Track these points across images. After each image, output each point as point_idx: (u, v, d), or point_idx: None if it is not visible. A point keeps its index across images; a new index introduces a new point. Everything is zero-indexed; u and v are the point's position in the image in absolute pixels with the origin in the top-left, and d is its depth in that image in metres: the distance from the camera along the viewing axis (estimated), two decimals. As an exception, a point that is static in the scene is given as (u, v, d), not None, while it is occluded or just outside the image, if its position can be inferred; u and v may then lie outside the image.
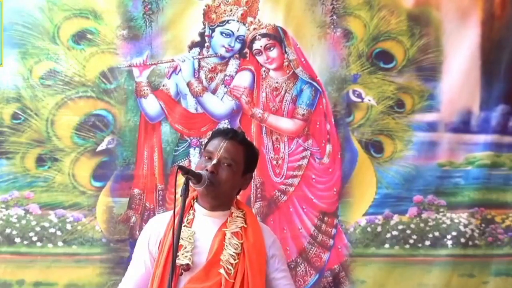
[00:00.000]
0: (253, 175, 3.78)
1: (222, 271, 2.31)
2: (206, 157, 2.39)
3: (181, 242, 2.30)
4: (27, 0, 3.83)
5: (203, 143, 3.75)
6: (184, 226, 2.35)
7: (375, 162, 3.91)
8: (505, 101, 3.95)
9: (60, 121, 3.83)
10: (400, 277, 3.88)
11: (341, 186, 3.90)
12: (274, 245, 2.46)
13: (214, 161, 2.35)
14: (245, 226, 2.40)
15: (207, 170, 2.33)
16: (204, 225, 2.38)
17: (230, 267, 2.33)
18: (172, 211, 2.44)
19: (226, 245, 2.35)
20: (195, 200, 2.43)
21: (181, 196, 2.27)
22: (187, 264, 2.30)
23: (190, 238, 2.34)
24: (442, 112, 3.96)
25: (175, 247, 2.19)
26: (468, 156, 3.94)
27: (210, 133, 2.76)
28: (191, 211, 2.40)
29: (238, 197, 2.50)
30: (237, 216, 2.42)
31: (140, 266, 2.40)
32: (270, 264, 2.41)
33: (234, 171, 2.39)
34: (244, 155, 2.42)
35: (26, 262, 3.78)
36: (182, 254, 2.31)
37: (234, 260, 2.34)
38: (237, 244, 2.36)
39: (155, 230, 2.41)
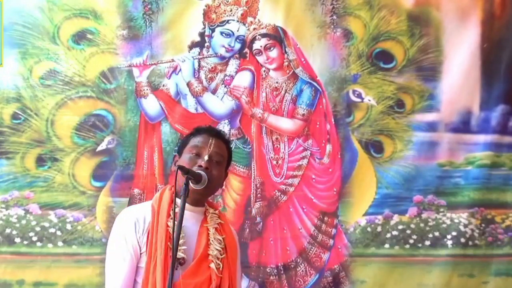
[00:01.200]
0: (253, 175, 3.84)
1: (212, 265, 2.33)
2: (194, 153, 2.39)
3: (172, 235, 2.29)
4: (27, 0, 3.83)
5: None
6: (171, 218, 2.32)
7: (375, 162, 3.91)
8: (505, 101, 3.95)
9: (60, 121, 3.83)
10: (400, 277, 3.88)
11: (341, 186, 3.90)
12: (238, 244, 2.55)
13: (206, 157, 2.37)
14: (222, 222, 2.45)
15: (200, 166, 2.34)
16: (188, 220, 2.37)
17: (219, 262, 2.35)
18: (147, 202, 2.45)
19: (212, 240, 2.37)
20: (175, 195, 2.39)
21: (181, 196, 2.27)
22: (183, 258, 2.30)
23: (181, 232, 2.33)
24: (442, 112, 3.96)
25: (175, 246, 2.18)
26: (468, 156, 3.94)
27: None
28: (174, 205, 2.39)
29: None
30: (213, 213, 2.46)
31: (129, 259, 2.33)
32: None
33: (222, 168, 2.43)
34: (228, 153, 2.47)
35: (26, 262, 3.78)
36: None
37: (221, 255, 2.37)
38: (220, 240, 2.39)
39: (138, 220, 2.35)
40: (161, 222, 2.33)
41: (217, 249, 2.36)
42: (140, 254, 2.34)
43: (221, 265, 2.35)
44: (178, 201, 2.38)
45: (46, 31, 3.83)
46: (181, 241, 2.30)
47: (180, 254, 2.29)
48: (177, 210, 2.34)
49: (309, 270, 3.87)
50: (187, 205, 2.37)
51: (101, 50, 3.85)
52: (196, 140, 2.42)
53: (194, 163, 2.36)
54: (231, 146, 2.56)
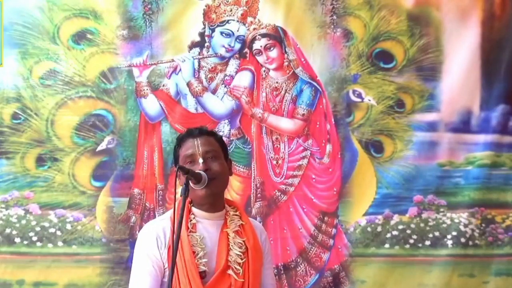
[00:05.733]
0: (254, 175, 3.85)
1: (230, 272, 2.32)
2: (188, 162, 2.38)
3: (193, 248, 2.31)
4: (27, 0, 3.83)
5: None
6: (190, 231, 2.34)
7: (375, 162, 3.91)
8: (505, 101, 3.95)
9: (60, 121, 3.83)
10: (400, 277, 3.88)
11: (341, 186, 3.90)
12: (266, 242, 2.54)
13: (201, 160, 2.36)
14: (243, 223, 2.43)
15: (200, 170, 2.33)
16: (207, 229, 2.38)
17: (238, 267, 2.34)
18: (166, 214, 2.46)
19: (232, 245, 2.36)
20: (191, 204, 2.41)
21: (181, 196, 2.27)
22: (204, 271, 2.30)
23: (201, 244, 2.34)
24: (442, 112, 3.96)
25: (175, 247, 2.18)
26: (468, 156, 3.94)
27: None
28: (191, 216, 2.39)
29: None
30: (234, 214, 2.44)
31: (154, 274, 2.33)
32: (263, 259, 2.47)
33: (221, 160, 2.41)
34: (218, 143, 2.46)
35: (26, 262, 3.78)
36: (197, 261, 2.30)
37: (242, 259, 2.35)
38: (241, 243, 2.38)
39: (159, 236, 2.36)
40: (183, 237, 2.29)
41: (237, 254, 2.35)
42: (164, 269, 2.34)
43: (241, 270, 2.34)
44: (196, 211, 2.41)
45: (46, 31, 3.83)
46: (201, 253, 2.31)
47: (201, 268, 2.30)
48: (194, 221, 2.37)
49: (309, 270, 3.86)
50: (205, 213, 2.40)
51: (101, 50, 3.85)
52: (184, 149, 2.41)
53: (194, 171, 2.35)
54: (220, 135, 2.55)
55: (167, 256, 2.33)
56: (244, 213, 2.48)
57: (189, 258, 2.28)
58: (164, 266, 2.34)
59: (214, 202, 2.40)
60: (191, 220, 2.37)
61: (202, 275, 2.29)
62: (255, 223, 2.56)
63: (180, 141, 2.45)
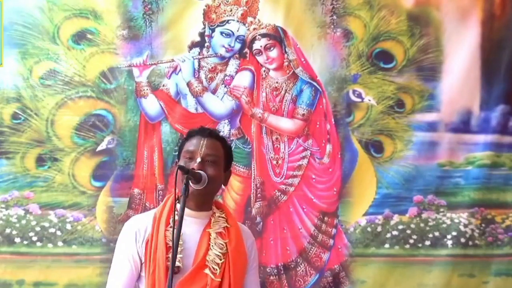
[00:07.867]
0: (254, 175, 3.85)
1: (207, 271, 2.31)
2: (187, 158, 2.38)
3: (169, 243, 2.30)
4: (27, 0, 3.83)
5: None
6: (170, 227, 2.33)
7: (375, 162, 3.91)
8: (505, 101, 3.95)
9: (60, 121, 3.83)
10: (400, 277, 3.88)
11: (341, 186, 3.90)
12: (253, 247, 2.52)
13: (199, 159, 2.35)
14: (228, 226, 2.42)
15: (193, 169, 2.32)
16: (190, 227, 2.37)
17: (215, 266, 2.33)
18: (152, 211, 2.46)
19: (212, 245, 2.35)
20: (177, 200, 2.39)
21: (181, 196, 2.27)
22: (178, 267, 2.29)
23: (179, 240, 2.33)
24: (442, 112, 3.96)
25: (175, 248, 2.18)
26: (468, 156, 3.94)
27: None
28: (175, 212, 2.38)
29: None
30: (219, 216, 2.43)
31: (128, 269, 2.36)
32: (248, 264, 2.46)
33: (218, 167, 2.40)
34: (223, 151, 2.45)
35: (26, 262, 3.78)
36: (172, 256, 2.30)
37: (220, 259, 2.34)
38: (222, 244, 2.37)
39: (139, 230, 2.37)
40: (160, 232, 2.32)
41: (216, 254, 2.34)
42: (141, 264, 2.36)
43: (218, 270, 2.32)
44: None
45: (46, 31, 3.83)
46: (178, 249, 2.29)
47: (175, 263, 2.28)
48: (177, 217, 2.33)
49: (309, 270, 3.86)
50: (190, 211, 2.38)
51: (101, 50, 3.85)
52: (189, 144, 2.41)
53: (188, 167, 2.34)
54: (229, 143, 2.55)
55: (144, 251, 2.33)
56: (231, 217, 2.47)
57: (160, 252, 2.29)
58: (141, 261, 2.35)
59: (199, 202, 2.39)
60: (173, 217, 2.36)
61: (175, 270, 2.27)
62: (243, 228, 2.55)
63: (190, 135, 2.45)
